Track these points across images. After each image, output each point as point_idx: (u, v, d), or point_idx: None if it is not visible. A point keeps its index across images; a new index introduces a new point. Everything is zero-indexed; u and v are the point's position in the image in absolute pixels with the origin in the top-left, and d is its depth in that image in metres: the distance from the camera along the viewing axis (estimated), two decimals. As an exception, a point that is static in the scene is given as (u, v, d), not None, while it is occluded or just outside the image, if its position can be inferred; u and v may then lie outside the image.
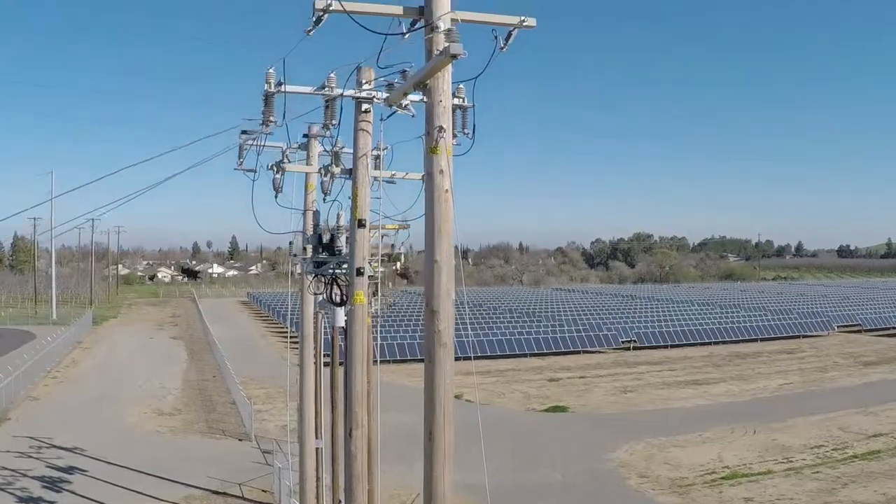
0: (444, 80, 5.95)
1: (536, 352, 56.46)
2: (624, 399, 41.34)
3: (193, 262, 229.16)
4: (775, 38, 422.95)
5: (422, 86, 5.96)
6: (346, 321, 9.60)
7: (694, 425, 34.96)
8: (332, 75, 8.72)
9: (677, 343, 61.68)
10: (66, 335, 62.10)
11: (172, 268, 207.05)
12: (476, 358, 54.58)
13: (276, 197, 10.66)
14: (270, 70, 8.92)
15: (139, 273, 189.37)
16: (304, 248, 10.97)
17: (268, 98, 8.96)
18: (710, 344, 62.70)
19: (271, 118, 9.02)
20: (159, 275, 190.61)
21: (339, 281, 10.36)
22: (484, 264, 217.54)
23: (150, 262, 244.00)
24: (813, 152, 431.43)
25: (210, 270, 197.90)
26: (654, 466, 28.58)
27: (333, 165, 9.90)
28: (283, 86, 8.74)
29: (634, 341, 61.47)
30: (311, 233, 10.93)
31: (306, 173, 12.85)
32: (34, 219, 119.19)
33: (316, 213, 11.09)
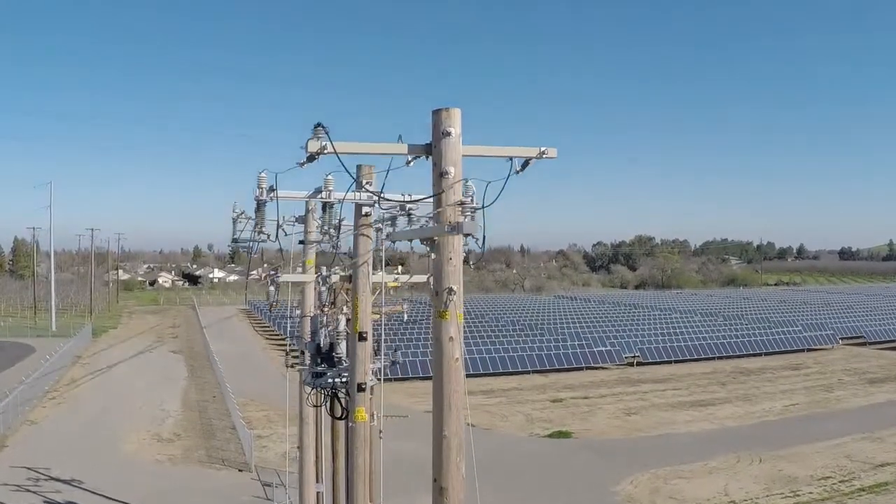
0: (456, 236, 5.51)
1: (539, 369, 56.01)
2: (628, 423, 40.88)
3: (194, 266, 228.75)
4: (774, 38, 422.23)
5: (429, 240, 5.52)
6: (346, 439, 9.21)
7: (699, 453, 34.52)
8: (328, 177, 8.27)
9: (681, 358, 61.23)
10: (65, 350, 61.73)
11: (173, 272, 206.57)
12: (480, 375, 54.27)
13: (270, 310, 10.07)
14: (262, 174, 8.48)
15: (139, 279, 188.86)
16: (302, 353, 10.47)
17: (259, 205, 8.49)
18: (714, 359, 62.25)
19: (263, 229, 8.54)
20: (160, 280, 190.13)
21: (339, 395, 9.85)
22: (486, 269, 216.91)
23: (151, 265, 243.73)
24: (814, 152, 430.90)
25: (211, 275, 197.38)
26: (660, 501, 28.15)
27: (331, 273, 9.44)
28: (275, 191, 8.28)
29: (638, 356, 61.05)
30: (309, 339, 10.44)
31: (304, 281, 12.43)
32: (33, 228, 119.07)
33: (313, 319, 10.58)
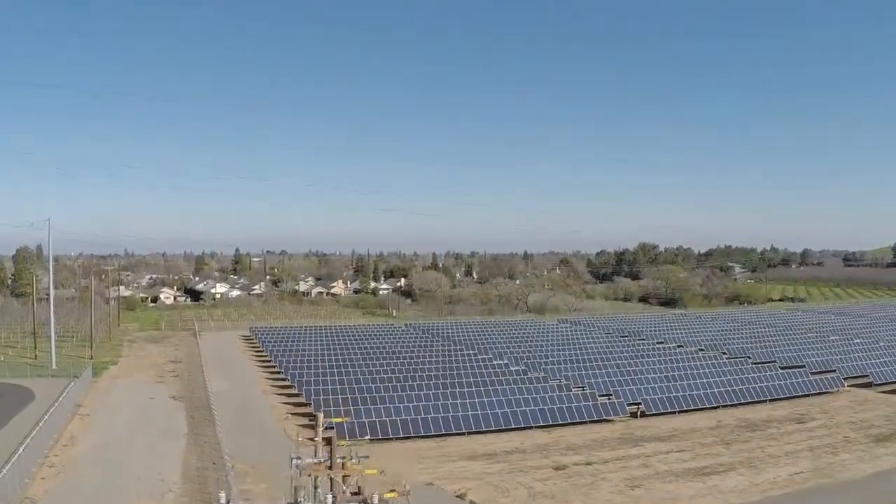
0: None
1: (542, 424, 55.42)
2: (631, 500, 40.25)
3: (196, 279, 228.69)
4: (775, 39, 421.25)
5: None
6: None
7: (704, 543, 33.99)
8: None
9: (685, 409, 60.69)
10: (65, 398, 61.17)
11: (175, 287, 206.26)
12: (484, 433, 53.81)
13: None
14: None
15: (141, 295, 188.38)
16: None
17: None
18: (718, 408, 61.73)
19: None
20: (161, 296, 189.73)
21: None
22: (489, 282, 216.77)
23: (154, 276, 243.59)
24: (814, 152, 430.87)
25: (213, 290, 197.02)
26: None
27: None
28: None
29: (641, 407, 60.44)
30: None
31: None
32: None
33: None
